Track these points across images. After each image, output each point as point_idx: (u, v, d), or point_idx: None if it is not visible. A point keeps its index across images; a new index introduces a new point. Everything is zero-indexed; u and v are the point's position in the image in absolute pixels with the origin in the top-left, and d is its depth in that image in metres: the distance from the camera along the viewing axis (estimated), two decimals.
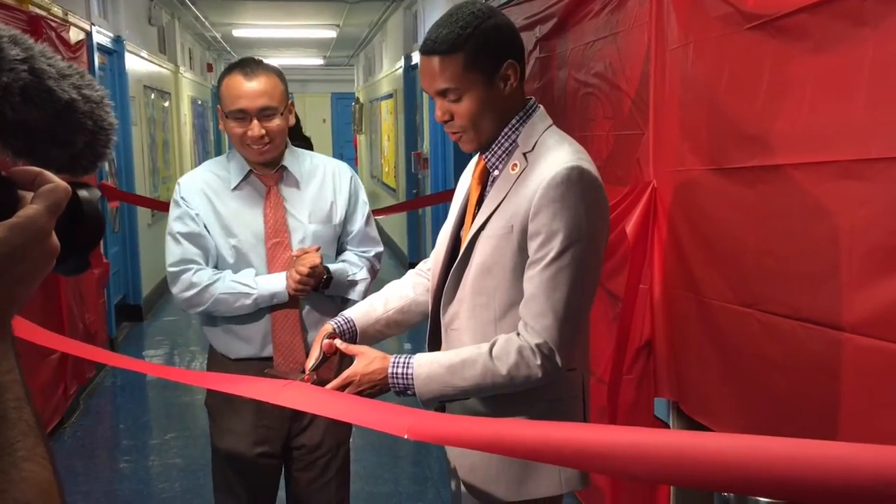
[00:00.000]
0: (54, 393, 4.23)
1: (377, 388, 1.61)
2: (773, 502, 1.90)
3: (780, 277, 1.73)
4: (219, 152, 14.15)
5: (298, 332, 2.20)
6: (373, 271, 2.34)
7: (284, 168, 2.22)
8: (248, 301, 2.14)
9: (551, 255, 1.50)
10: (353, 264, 2.27)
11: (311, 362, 1.72)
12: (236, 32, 11.20)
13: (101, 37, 5.84)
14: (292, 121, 2.22)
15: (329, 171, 2.28)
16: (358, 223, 2.30)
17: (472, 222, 1.66)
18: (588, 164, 1.54)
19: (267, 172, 2.21)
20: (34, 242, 0.62)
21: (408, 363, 1.58)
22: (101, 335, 5.32)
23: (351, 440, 4.22)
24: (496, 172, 1.63)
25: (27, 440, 0.59)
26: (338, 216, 2.26)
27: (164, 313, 7.15)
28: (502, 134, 1.62)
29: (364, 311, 1.82)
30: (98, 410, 4.83)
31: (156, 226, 7.58)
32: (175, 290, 2.19)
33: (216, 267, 2.21)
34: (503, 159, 1.62)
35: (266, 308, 2.18)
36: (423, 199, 7.57)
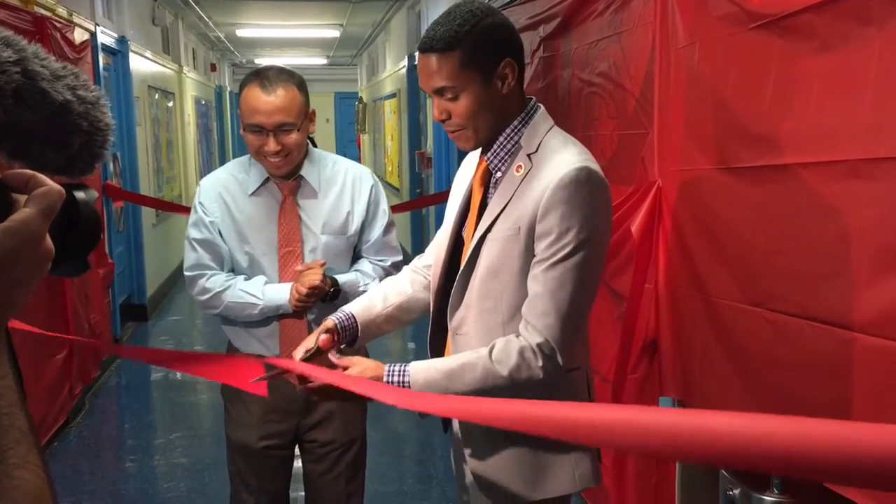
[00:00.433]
0: (60, 393, 4.24)
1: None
2: (779, 500, 1.91)
3: (788, 276, 1.73)
4: (222, 152, 14.18)
5: (306, 333, 2.22)
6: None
7: (302, 178, 2.22)
8: (255, 311, 2.19)
9: (560, 254, 1.49)
10: (365, 274, 2.27)
11: (299, 353, 1.70)
12: (240, 32, 11.21)
13: (106, 37, 5.85)
14: (312, 130, 2.22)
15: (349, 179, 2.27)
16: (376, 232, 2.29)
17: (475, 224, 1.65)
18: (595, 165, 1.54)
19: (284, 182, 2.23)
20: (28, 246, 0.61)
21: (404, 371, 1.56)
22: (106, 335, 5.33)
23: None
24: (499, 174, 1.63)
25: (19, 447, 0.58)
26: (353, 226, 2.25)
27: (168, 313, 7.16)
28: (504, 135, 1.61)
29: (364, 306, 1.82)
30: (103, 410, 4.84)
31: (160, 226, 7.59)
32: (192, 293, 2.27)
33: (232, 271, 2.25)
34: (506, 161, 1.61)
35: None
36: (426, 199, 7.56)
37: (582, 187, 1.49)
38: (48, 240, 0.64)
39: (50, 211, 0.63)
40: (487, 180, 1.67)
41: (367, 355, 1.97)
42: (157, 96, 7.89)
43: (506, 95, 1.58)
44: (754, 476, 2.00)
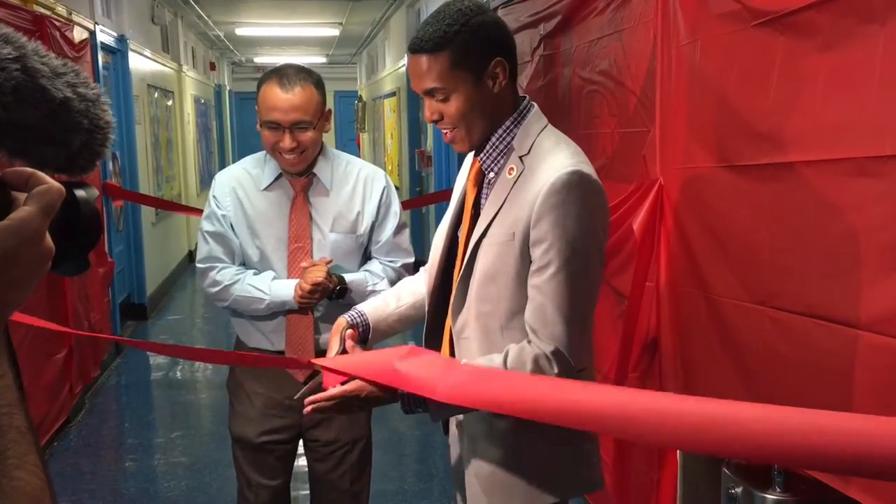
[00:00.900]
0: (60, 392, 4.24)
1: (380, 401, 1.57)
2: (781, 498, 1.90)
3: (793, 274, 1.73)
4: (221, 151, 14.17)
5: (311, 331, 2.25)
6: (398, 282, 2.34)
7: (314, 175, 2.24)
8: (262, 306, 2.21)
9: (557, 262, 1.48)
10: (374, 274, 2.28)
11: (331, 355, 1.71)
12: (239, 31, 11.20)
13: (105, 36, 5.85)
14: (328, 128, 2.24)
15: (361, 179, 2.29)
16: (387, 233, 2.30)
17: (469, 224, 1.65)
18: (587, 167, 1.53)
19: (297, 178, 2.24)
20: (27, 245, 0.61)
21: None
22: (106, 334, 5.33)
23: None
24: (491, 175, 1.62)
25: (18, 447, 0.58)
26: (363, 226, 2.26)
27: (168, 312, 7.16)
28: (496, 135, 1.60)
29: (376, 306, 1.82)
30: (103, 409, 4.84)
31: (160, 224, 7.59)
32: (202, 285, 2.30)
33: (243, 264, 2.27)
34: (498, 162, 1.60)
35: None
36: (426, 198, 7.56)
37: (574, 191, 1.47)
38: (48, 238, 0.63)
39: (50, 209, 0.63)
40: (481, 181, 1.66)
41: None
42: (156, 95, 7.88)
43: (497, 95, 1.57)
44: (756, 474, 2.00)
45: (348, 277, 2.21)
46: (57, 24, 4.40)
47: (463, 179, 1.77)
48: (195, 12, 9.28)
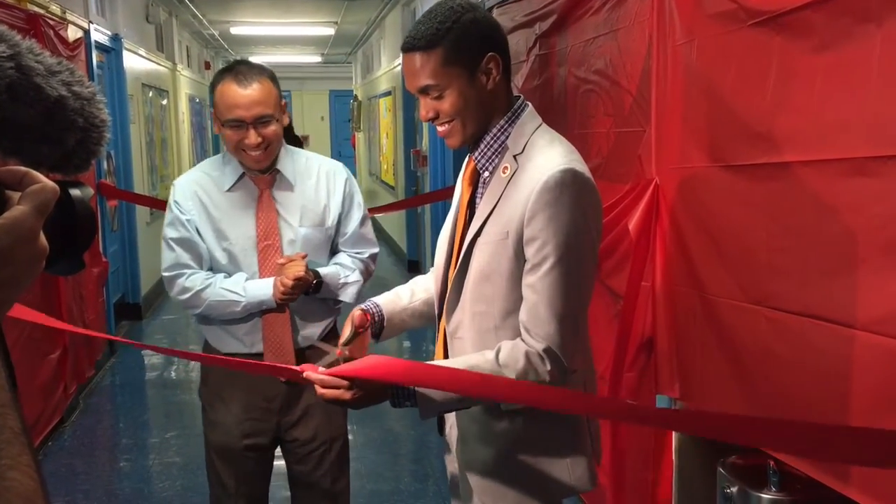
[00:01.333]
0: (54, 392, 4.23)
1: (374, 397, 1.54)
2: (776, 497, 1.91)
3: (789, 274, 1.73)
4: (217, 150, 14.14)
5: (288, 329, 2.23)
6: (366, 273, 2.35)
7: (278, 171, 2.23)
8: (238, 308, 2.18)
9: (550, 261, 1.48)
10: (345, 267, 2.28)
11: (344, 338, 1.70)
12: (234, 30, 11.18)
13: (99, 35, 5.83)
14: (286, 121, 2.23)
15: (324, 172, 2.29)
16: (352, 225, 2.30)
17: (464, 224, 1.65)
18: (580, 166, 1.53)
19: (260, 176, 2.23)
20: (21, 244, 0.61)
21: None
22: (101, 334, 5.31)
23: (351, 438, 4.22)
24: (486, 174, 1.62)
25: (11, 448, 0.57)
26: (331, 219, 2.26)
27: (162, 312, 7.14)
28: (491, 134, 1.60)
29: (391, 299, 1.82)
30: (98, 409, 4.82)
31: (154, 224, 7.57)
32: (171, 293, 2.26)
33: (211, 269, 2.24)
34: (493, 161, 1.60)
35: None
36: (421, 197, 7.56)
37: (567, 190, 1.47)
38: (42, 238, 0.63)
39: (44, 208, 0.63)
40: (476, 180, 1.66)
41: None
42: (150, 94, 7.86)
43: (492, 91, 1.58)
44: (752, 473, 2.00)
45: (322, 271, 2.21)
46: (51, 22, 4.39)
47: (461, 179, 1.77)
48: (190, 11, 9.26)
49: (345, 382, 1.51)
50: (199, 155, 11.49)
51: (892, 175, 1.43)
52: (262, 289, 2.16)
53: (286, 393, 2.27)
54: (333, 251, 2.32)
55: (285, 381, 2.24)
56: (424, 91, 1.57)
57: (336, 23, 10.35)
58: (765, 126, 1.79)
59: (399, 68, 8.47)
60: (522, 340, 1.52)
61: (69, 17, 4.96)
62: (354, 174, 16.99)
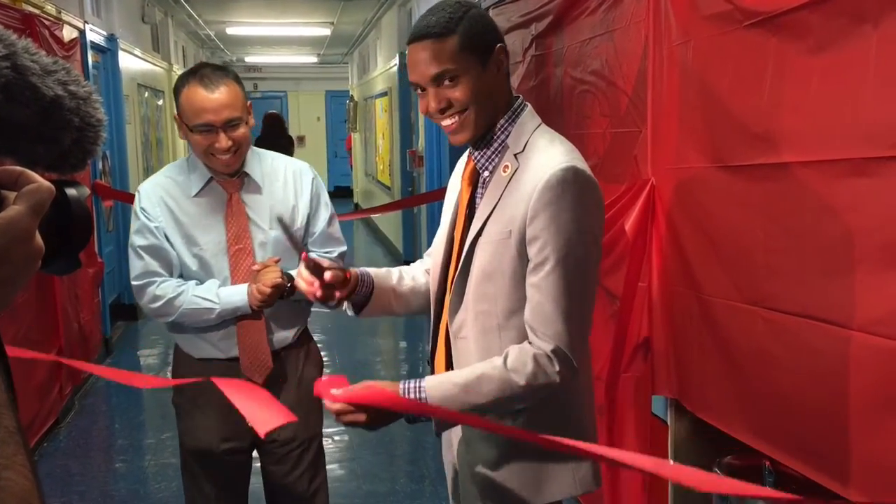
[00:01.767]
0: (50, 393, 4.21)
1: (389, 417, 1.52)
2: (771, 502, 1.91)
3: (786, 275, 1.73)
4: None
5: (263, 333, 2.22)
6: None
7: (247, 174, 2.22)
8: (212, 316, 2.16)
9: (553, 259, 1.48)
10: None
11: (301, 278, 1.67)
12: (230, 30, 11.17)
13: (95, 35, 5.82)
14: (252, 122, 2.20)
15: (290, 173, 2.27)
16: (320, 224, 2.29)
17: (463, 224, 1.64)
18: (581, 164, 1.53)
19: (229, 179, 2.21)
20: (16, 244, 0.61)
21: (419, 388, 1.52)
22: (96, 335, 5.30)
23: (347, 438, 4.21)
24: (486, 174, 1.61)
25: (6, 448, 0.57)
26: (299, 220, 2.25)
27: None
28: (492, 133, 1.59)
29: (382, 275, 1.78)
30: (93, 410, 4.81)
31: None
32: (142, 302, 2.21)
33: (181, 276, 2.21)
34: (493, 160, 1.60)
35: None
36: (417, 198, 7.56)
37: (569, 188, 1.47)
38: (38, 237, 0.63)
39: (39, 208, 0.63)
40: (475, 180, 1.65)
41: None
42: (146, 94, 7.85)
43: (499, 84, 1.58)
44: (747, 474, 2.00)
45: (294, 273, 2.19)
46: (46, 22, 4.38)
47: (457, 180, 1.76)
48: (185, 11, 9.25)
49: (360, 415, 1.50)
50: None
51: (889, 175, 1.43)
52: (236, 295, 2.14)
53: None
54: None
55: (263, 384, 2.23)
56: (437, 79, 1.53)
57: (332, 23, 10.35)
58: (762, 127, 1.79)
59: (395, 69, 8.47)
60: (529, 343, 1.51)
61: (64, 17, 4.95)
62: (350, 174, 16.79)
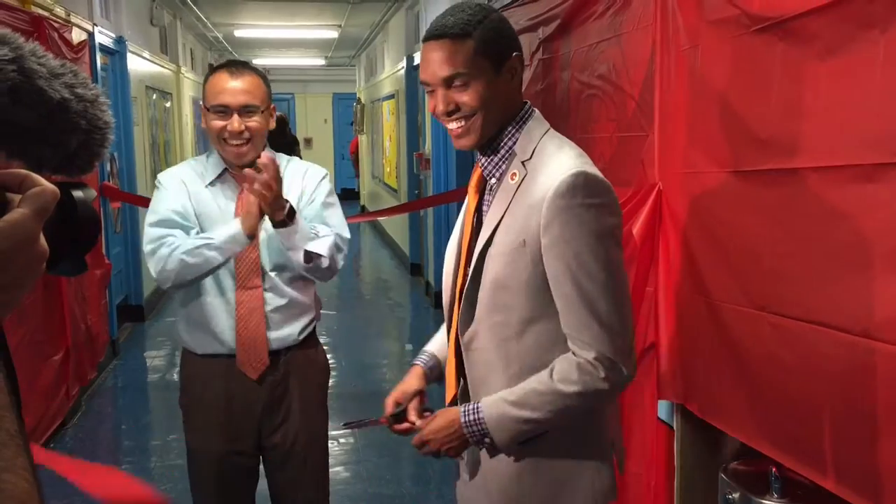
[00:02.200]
0: (56, 394, 4.23)
1: (456, 442, 1.58)
2: (778, 503, 1.90)
3: (795, 280, 1.72)
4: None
5: (262, 328, 2.21)
6: (337, 237, 2.22)
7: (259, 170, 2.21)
8: (213, 252, 2.08)
9: (574, 266, 1.45)
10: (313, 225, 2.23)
11: (389, 410, 1.73)
12: (238, 33, 11.20)
13: (103, 37, 5.84)
14: (272, 125, 2.23)
15: (301, 173, 2.28)
16: (315, 206, 2.26)
17: (470, 232, 1.63)
18: (591, 168, 1.51)
19: (241, 173, 2.19)
20: (20, 248, 0.61)
21: (477, 409, 1.55)
22: (103, 336, 5.32)
23: (353, 441, 4.21)
24: (493, 181, 1.60)
25: (6, 450, 0.57)
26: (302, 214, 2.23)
27: (165, 314, 7.14)
28: (499, 140, 1.57)
29: (439, 344, 1.79)
30: (99, 411, 4.82)
31: None
32: (152, 266, 2.15)
33: None
34: (500, 167, 1.58)
35: (231, 304, 2.19)
36: (424, 201, 7.56)
37: (581, 192, 1.46)
38: (42, 240, 0.63)
39: (43, 211, 0.63)
40: (482, 187, 1.64)
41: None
42: (154, 96, 7.88)
43: (510, 92, 1.56)
44: (754, 479, 2.00)
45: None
46: (55, 25, 4.39)
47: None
48: (194, 14, 9.28)
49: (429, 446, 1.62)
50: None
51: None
52: (230, 226, 2.10)
53: (267, 398, 2.25)
54: None
55: (257, 381, 2.23)
56: (449, 80, 1.52)
57: (340, 26, 10.36)
58: (770, 132, 1.79)
59: (403, 72, 8.48)
60: (574, 354, 1.50)
61: (73, 19, 4.97)
62: (357, 176, 16.70)
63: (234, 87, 2.14)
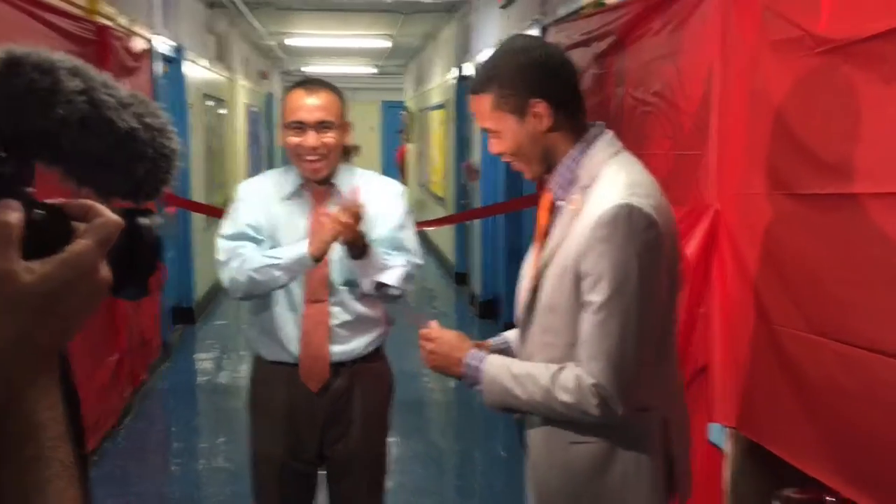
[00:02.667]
0: (111, 395, 4.32)
1: (449, 366, 1.67)
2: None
3: (856, 308, 1.69)
4: (271, 160, 14.37)
5: (325, 341, 2.24)
6: (410, 265, 2.26)
7: (334, 186, 2.26)
8: (278, 273, 2.14)
9: (600, 299, 1.47)
10: (385, 252, 2.24)
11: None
12: (290, 41, 11.36)
13: (163, 46, 5.97)
14: (348, 140, 2.28)
15: (376, 190, 2.28)
16: (388, 227, 2.27)
17: (538, 254, 1.66)
18: (641, 199, 1.48)
19: (317, 188, 2.26)
20: (82, 278, 0.62)
21: (482, 359, 1.63)
22: (156, 339, 5.42)
23: (396, 451, 4.22)
24: (560, 203, 1.63)
25: (59, 482, 0.58)
26: (376, 236, 2.24)
27: (215, 317, 7.27)
28: (563, 164, 1.60)
29: (515, 336, 1.81)
30: (150, 413, 4.92)
31: (209, 230, 7.69)
32: (224, 277, 2.22)
33: None
34: (566, 190, 1.60)
35: (299, 315, 2.22)
36: (472, 213, 7.54)
37: (621, 226, 1.45)
38: (105, 269, 0.64)
39: (106, 242, 0.64)
40: (553, 208, 1.67)
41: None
42: (210, 104, 8.03)
43: (548, 131, 1.58)
44: None
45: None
46: (118, 34, 4.51)
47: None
48: (250, 23, 9.44)
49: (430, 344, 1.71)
50: (254, 164, 11.68)
51: None
52: (298, 247, 2.14)
53: (329, 409, 2.29)
54: None
55: (318, 393, 2.26)
56: (485, 130, 1.65)
57: (392, 36, 10.45)
58: (832, 156, 1.75)
59: (453, 82, 8.51)
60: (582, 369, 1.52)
61: (135, 28, 5.10)
62: (404, 184, 16.90)
63: (309, 104, 2.19)
